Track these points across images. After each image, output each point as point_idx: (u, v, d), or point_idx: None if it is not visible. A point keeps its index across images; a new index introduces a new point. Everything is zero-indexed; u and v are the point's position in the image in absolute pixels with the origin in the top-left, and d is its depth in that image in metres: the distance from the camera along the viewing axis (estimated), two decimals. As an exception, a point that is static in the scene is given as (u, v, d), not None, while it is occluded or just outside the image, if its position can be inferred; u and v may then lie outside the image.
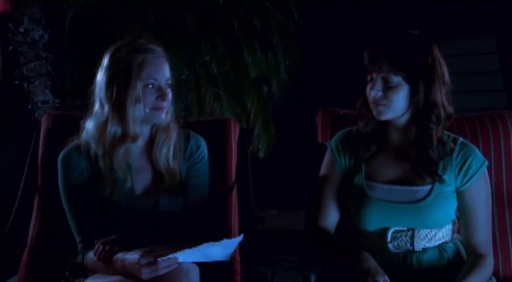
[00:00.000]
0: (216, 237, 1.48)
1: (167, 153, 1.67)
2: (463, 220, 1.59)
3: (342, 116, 1.94)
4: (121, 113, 1.60)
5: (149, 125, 1.68)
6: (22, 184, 1.92)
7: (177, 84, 3.39)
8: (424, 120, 1.53)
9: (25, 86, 3.67)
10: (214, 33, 3.56)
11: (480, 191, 1.58)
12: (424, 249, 1.57)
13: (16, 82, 3.67)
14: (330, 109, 1.98)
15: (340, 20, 4.33)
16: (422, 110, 1.53)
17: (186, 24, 3.57)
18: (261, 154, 3.72)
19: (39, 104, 3.69)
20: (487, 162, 1.58)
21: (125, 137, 1.62)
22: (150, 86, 1.60)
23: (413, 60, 1.51)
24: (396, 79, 1.50)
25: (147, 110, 1.60)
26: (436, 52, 1.55)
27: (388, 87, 1.51)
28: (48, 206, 1.90)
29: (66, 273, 1.66)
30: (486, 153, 1.76)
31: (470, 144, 1.61)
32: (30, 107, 3.68)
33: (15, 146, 3.64)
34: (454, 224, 1.63)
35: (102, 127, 1.63)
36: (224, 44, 3.57)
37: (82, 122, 1.71)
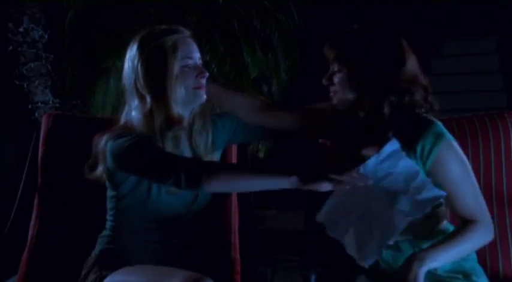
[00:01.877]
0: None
1: (207, 139, 1.68)
2: (447, 195, 1.52)
3: (341, 116, 1.94)
4: (163, 99, 1.57)
5: (189, 110, 1.66)
6: (22, 184, 1.93)
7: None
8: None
9: (25, 86, 3.68)
10: (214, 33, 3.56)
11: (446, 163, 1.51)
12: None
13: (16, 82, 3.67)
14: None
15: (340, 20, 4.32)
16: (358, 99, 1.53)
17: (186, 24, 3.57)
18: (261, 154, 3.73)
19: (39, 104, 3.69)
20: (444, 136, 1.51)
21: (170, 121, 1.59)
22: (188, 65, 1.59)
23: (352, 50, 1.52)
24: (338, 67, 1.54)
25: (189, 91, 1.59)
26: (390, 43, 1.53)
27: (334, 74, 1.55)
28: (48, 206, 1.90)
29: (85, 271, 1.62)
30: (486, 153, 1.76)
31: (429, 121, 1.53)
32: (30, 107, 3.68)
33: (15, 146, 3.65)
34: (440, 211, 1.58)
35: (148, 118, 1.59)
36: (224, 44, 3.57)
37: (123, 118, 1.64)
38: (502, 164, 1.77)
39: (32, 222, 1.89)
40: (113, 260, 1.59)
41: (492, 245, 1.73)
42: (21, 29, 3.63)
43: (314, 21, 3.96)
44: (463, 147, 1.78)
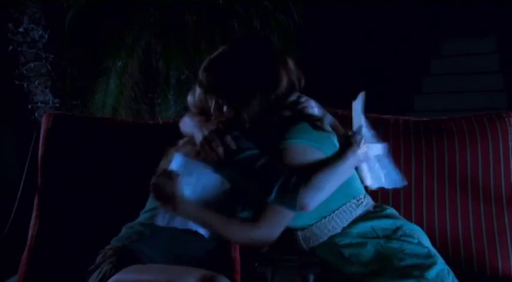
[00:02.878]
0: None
1: None
2: None
3: (340, 116, 1.94)
4: None
5: None
6: (22, 184, 1.93)
7: (177, 84, 3.40)
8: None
9: (25, 86, 3.68)
10: (214, 33, 3.57)
11: (285, 157, 1.48)
12: None
13: (16, 82, 3.68)
14: (329, 109, 1.97)
15: (340, 20, 4.33)
16: None
17: (186, 24, 3.57)
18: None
19: (39, 104, 3.70)
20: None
21: None
22: None
23: (233, 86, 1.51)
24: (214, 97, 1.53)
25: None
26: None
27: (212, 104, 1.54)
28: (48, 206, 1.90)
29: (100, 259, 1.61)
30: (485, 154, 1.76)
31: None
32: (30, 107, 3.69)
33: (15, 146, 3.65)
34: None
35: None
36: (224, 44, 3.58)
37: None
38: (500, 165, 1.77)
39: (32, 222, 1.90)
40: (131, 256, 1.57)
41: (491, 243, 1.73)
42: (21, 29, 3.64)
43: (314, 21, 3.97)
44: (462, 147, 1.80)
